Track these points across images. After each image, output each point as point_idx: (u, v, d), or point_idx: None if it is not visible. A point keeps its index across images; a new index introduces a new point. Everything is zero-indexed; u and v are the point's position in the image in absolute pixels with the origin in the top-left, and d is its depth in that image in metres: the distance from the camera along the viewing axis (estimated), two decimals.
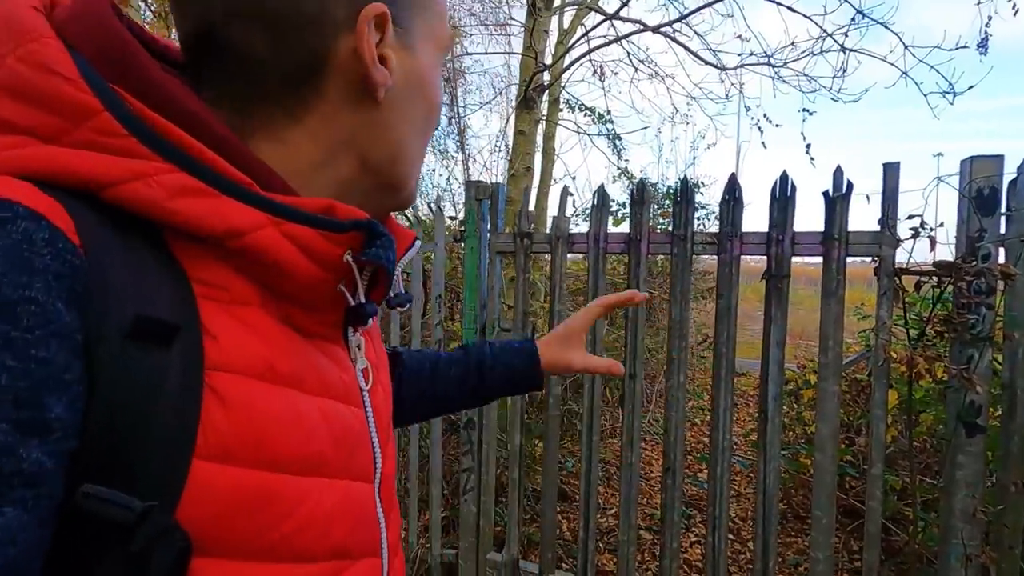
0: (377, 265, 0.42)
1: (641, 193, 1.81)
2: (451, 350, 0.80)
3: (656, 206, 5.09)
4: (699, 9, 3.37)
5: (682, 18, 3.50)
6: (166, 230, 0.36)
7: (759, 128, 4.17)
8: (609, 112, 5.75)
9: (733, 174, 1.69)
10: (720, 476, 1.71)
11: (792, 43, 4.07)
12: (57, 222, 0.30)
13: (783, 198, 1.62)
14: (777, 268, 1.63)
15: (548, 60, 3.98)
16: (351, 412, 0.45)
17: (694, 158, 6.53)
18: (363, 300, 0.44)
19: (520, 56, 3.77)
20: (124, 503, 0.30)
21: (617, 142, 5.82)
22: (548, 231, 1.95)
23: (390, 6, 0.41)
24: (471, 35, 6.21)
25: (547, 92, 5.15)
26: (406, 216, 2.46)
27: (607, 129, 5.82)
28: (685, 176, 1.77)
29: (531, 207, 4.24)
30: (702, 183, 5.50)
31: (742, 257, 1.70)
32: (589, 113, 5.67)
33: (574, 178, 5.31)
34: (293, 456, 0.38)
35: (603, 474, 3.34)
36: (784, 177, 1.62)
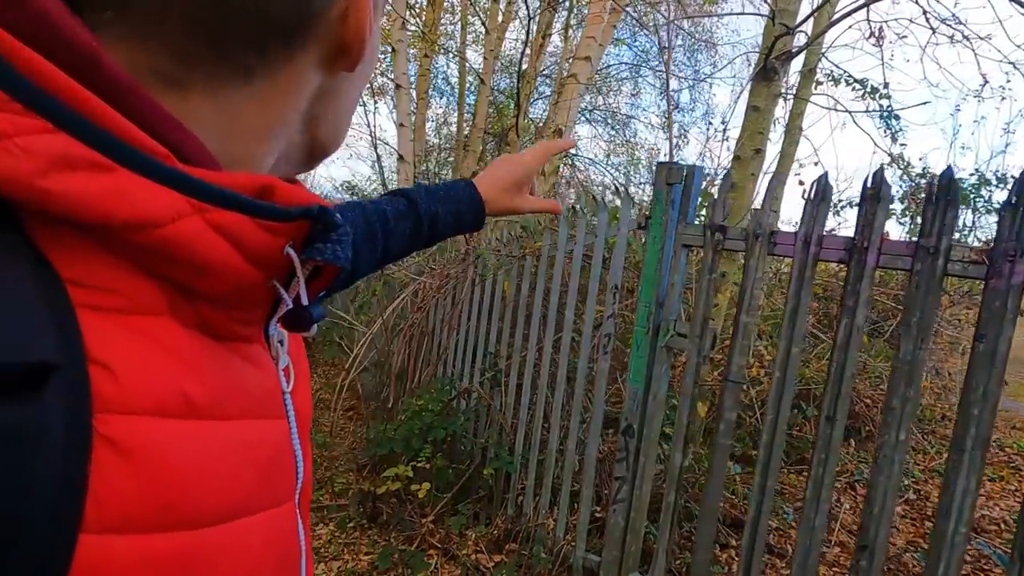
0: (328, 263, 0.32)
1: (877, 187, 1.38)
2: (392, 201, 0.78)
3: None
4: None
5: None
6: (23, 211, 0.24)
7: None
8: (886, 85, 4.71)
9: None
10: (943, 573, 1.26)
11: None
12: None
13: None
14: None
15: (807, 24, 3.35)
16: (275, 427, 0.37)
17: (1007, 145, 5.01)
18: (306, 301, 0.34)
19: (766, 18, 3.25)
20: None
21: (892, 122, 4.77)
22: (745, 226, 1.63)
23: None
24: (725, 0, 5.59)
25: (799, 60, 4.42)
26: (594, 197, 2.30)
27: (881, 106, 4.79)
28: (949, 167, 1.29)
29: (759, 196, 3.69)
30: (1011, 177, 4.19)
31: None
32: (859, 87, 4.72)
33: (816, 163, 4.46)
34: (214, 506, 0.30)
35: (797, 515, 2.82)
36: None
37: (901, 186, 4.90)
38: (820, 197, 1.49)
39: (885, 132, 4.92)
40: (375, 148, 7.09)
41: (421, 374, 3.30)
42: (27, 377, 0.22)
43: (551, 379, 2.41)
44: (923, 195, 4.40)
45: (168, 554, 0.27)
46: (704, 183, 4.07)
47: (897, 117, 4.84)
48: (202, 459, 0.29)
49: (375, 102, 7.47)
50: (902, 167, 4.67)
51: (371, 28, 0.34)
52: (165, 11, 0.27)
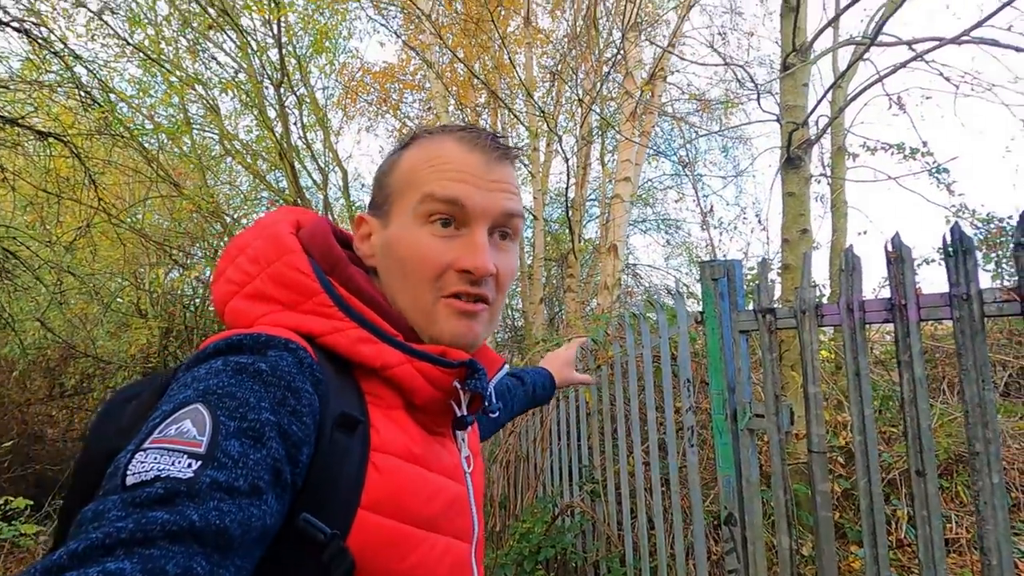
0: (475, 392, 0.61)
1: (899, 249, 1.53)
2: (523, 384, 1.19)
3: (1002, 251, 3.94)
4: (1004, 6, 2.68)
5: (982, 22, 2.84)
6: (351, 362, 0.57)
7: None
8: (925, 144, 4.81)
9: None
10: None
11: None
12: (312, 355, 0.53)
13: None
14: None
15: (822, 108, 3.62)
16: (457, 488, 0.63)
17: None
18: (464, 413, 0.63)
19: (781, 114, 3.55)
20: (322, 529, 0.47)
21: (941, 176, 4.80)
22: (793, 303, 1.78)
23: (370, 205, 0.66)
24: (742, 103, 6.05)
25: (830, 142, 4.65)
26: (652, 302, 2.51)
27: (926, 164, 4.86)
28: (957, 221, 1.44)
29: (821, 271, 3.75)
30: None
31: None
32: (896, 151, 4.84)
33: (864, 232, 4.49)
34: (418, 514, 0.56)
35: None
36: None
37: (976, 235, 4.79)
38: (851, 267, 1.65)
39: (939, 187, 4.93)
40: None
41: (523, 498, 3.38)
42: (351, 424, 0.52)
43: (647, 482, 2.47)
44: (996, 240, 4.29)
45: (393, 532, 0.53)
46: (764, 269, 4.15)
47: (946, 170, 4.87)
48: (414, 484, 0.56)
49: None
50: (966, 216, 4.61)
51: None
52: None
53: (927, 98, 4.78)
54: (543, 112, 5.12)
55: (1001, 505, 1.34)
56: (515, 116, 5.76)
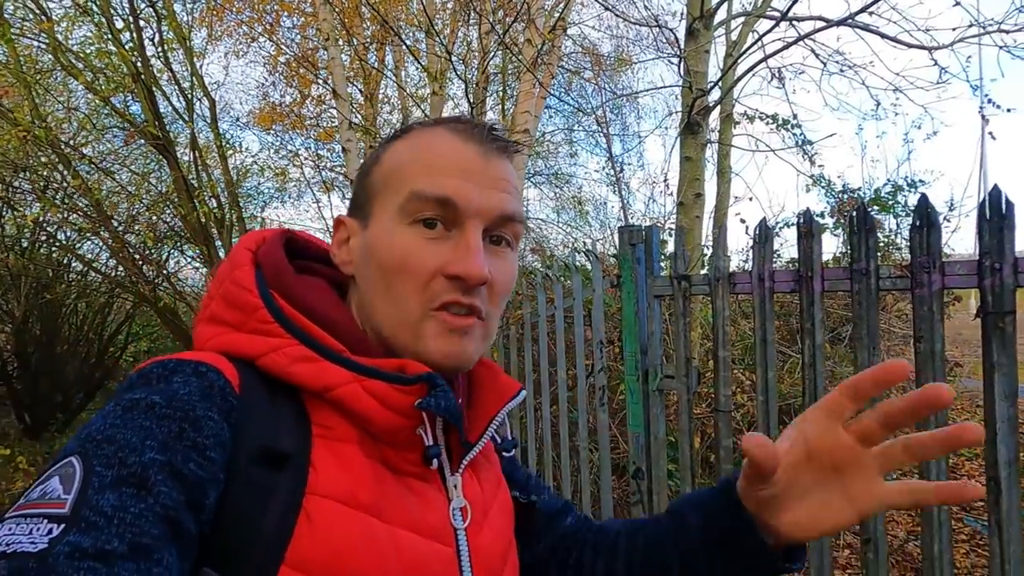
0: (428, 410, 0.48)
1: (809, 224, 1.63)
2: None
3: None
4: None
5: (865, 8, 3.08)
6: (301, 387, 0.49)
7: (983, 116, 3.45)
8: (795, 116, 5.22)
9: (924, 195, 1.44)
10: (938, 555, 1.42)
11: None
12: (229, 378, 0.46)
13: (996, 217, 1.33)
14: (996, 303, 1.34)
15: (716, 76, 3.79)
16: (434, 548, 0.49)
17: (909, 153, 5.56)
18: (433, 442, 0.51)
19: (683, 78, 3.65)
20: None
21: (807, 148, 5.26)
22: (706, 271, 1.85)
23: (351, 206, 0.58)
24: (642, 62, 6.17)
25: (719, 109, 4.89)
26: (567, 264, 2.51)
27: (794, 135, 5.29)
28: (862, 201, 1.55)
29: (706, 234, 4.03)
30: (919, 182, 4.66)
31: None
32: (771, 121, 5.22)
33: (751, 199, 4.87)
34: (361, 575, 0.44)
35: None
36: (996, 192, 1.34)
37: (828, 203, 5.36)
38: (764, 239, 1.73)
39: (803, 158, 5.42)
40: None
41: None
42: (273, 461, 0.44)
43: (554, 438, 2.53)
44: (848, 212, 4.82)
45: None
46: (680, 237, 4.34)
47: (811, 143, 5.35)
48: (357, 538, 0.45)
49: (328, 196, 7.72)
50: (824, 186, 5.13)
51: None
52: None
53: (801, 72, 5.15)
54: (446, 48, 4.84)
55: None
56: (411, 52, 5.39)
